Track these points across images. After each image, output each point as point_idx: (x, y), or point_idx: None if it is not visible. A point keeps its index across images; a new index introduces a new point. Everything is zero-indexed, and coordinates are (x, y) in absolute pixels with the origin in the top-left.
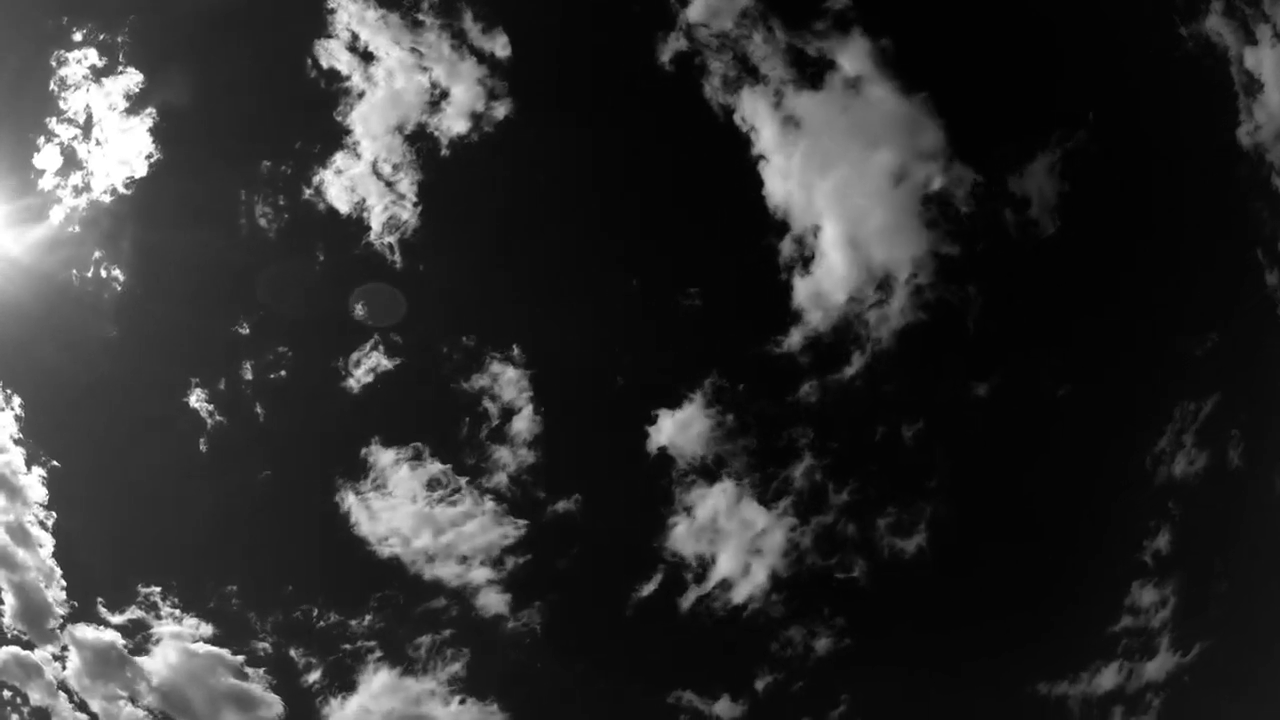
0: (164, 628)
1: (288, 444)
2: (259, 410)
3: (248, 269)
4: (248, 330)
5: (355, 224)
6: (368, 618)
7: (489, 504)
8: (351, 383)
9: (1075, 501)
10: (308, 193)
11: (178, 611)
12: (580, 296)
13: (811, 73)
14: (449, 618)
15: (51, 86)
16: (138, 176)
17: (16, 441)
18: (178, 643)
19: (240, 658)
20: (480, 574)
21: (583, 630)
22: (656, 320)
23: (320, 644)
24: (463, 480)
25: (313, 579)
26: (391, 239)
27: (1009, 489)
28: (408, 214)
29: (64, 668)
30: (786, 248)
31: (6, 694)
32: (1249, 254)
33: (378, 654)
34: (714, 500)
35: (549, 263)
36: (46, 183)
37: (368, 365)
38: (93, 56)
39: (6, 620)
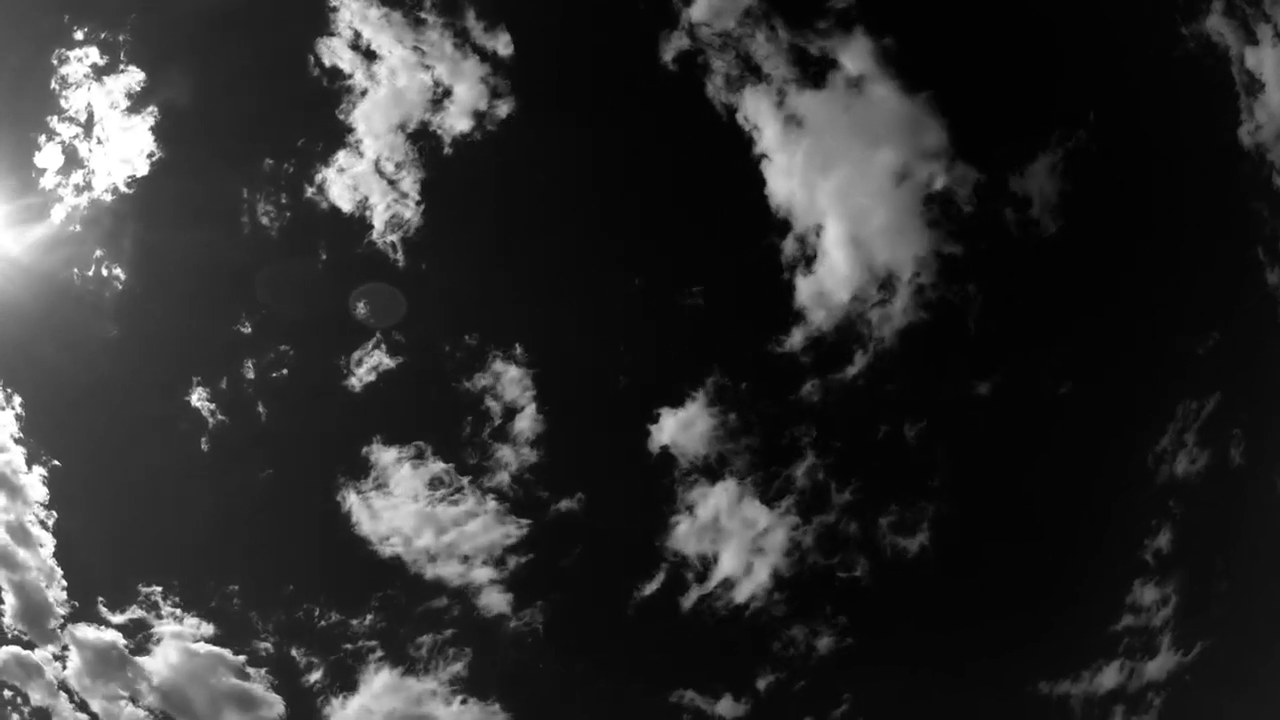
0: (165, 627)
1: (289, 443)
2: (261, 409)
3: (249, 268)
4: (249, 329)
5: (358, 223)
6: (369, 617)
7: (491, 503)
8: (353, 382)
9: (1077, 500)
10: (310, 191)
11: (179, 611)
12: (583, 295)
13: (814, 72)
14: (451, 617)
15: (53, 85)
16: (139, 175)
17: (17, 441)
18: (179, 642)
19: (241, 657)
20: (482, 573)
21: (585, 630)
22: (659, 319)
23: (321, 644)
24: (465, 480)
25: (314, 578)
26: (394, 238)
27: (1011, 488)
28: (410, 213)
29: (64, 667)
30: (789, 247)
31: (7, 694)
32: (1250, 253)
33: (379, 654)
34: (716, 499)
35: (552, 261)
36: (48, 181)
37: (370, 364)
38: (94, 55)
39: (7, 620)
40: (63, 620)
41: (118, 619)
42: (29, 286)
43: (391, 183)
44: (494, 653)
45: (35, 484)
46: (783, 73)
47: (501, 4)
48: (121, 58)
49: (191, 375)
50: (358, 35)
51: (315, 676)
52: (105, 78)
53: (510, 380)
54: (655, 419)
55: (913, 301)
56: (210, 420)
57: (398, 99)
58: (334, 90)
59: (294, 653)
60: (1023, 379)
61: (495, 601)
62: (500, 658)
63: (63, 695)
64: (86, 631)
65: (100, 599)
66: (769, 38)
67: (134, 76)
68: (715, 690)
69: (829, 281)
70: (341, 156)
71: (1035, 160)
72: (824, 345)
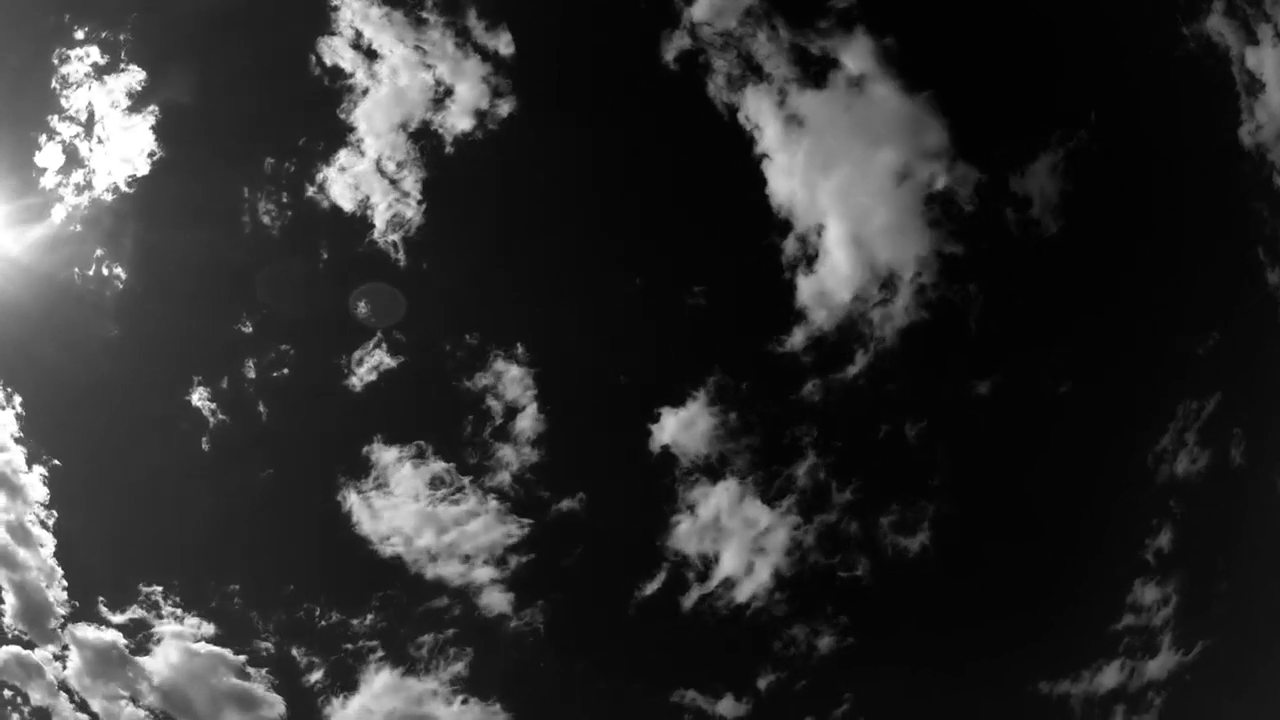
0: (165, 627)
1: (290, 443)
2: (261, 409)
3: (250, 267)
4: (250, 329)
5: (359, 222)
6: (370, 617)
7: (492, 503)
8: (354, 381)
9: (1077, 500)
10: (311, 191)
11: (179, 611)
12: (584, 295)
13: (815, 71)
14: (451, 617)
15: (53, 84)
16: (140, 174)
17: (17, 440)
18: (179, 642)
19: (242, 657)
20: (483, 573)
21: (586, 629)
22: (660, 319)
23: (322, 643)
24: (466, 479)
25: (315, 578)
26: (395, 237)
27: (1011, 488)
28: (411, 212)
29: (65, 667)
30: (790, 246)
31: (7, 694)
32: (1250, 253)
33: (380, 654)
34: (717, 499)
35: (553, 261)
36: (48, 181)
37: (371, 363)
38: (95, 54)
39: (7, 620)
40: (63, 620)
41: (118, 619)
42: (29, 286)
43: (393, 182)
44: (495, 653)
45: (35, 484)
46: (784, 72)
47: (503, 3)
48: (122, 57)
49: (192, 375)
50: (359, 34)
51: (316, 676)
52: (106, 77)
53: (511, 380)
54: (656, 418)
55: (914, 301)
56: (211, 420)
57: (399, 98)
58: (335, 89)
59: (294, 652)
60: (1023, 378)
61: (496, 601)
62: (501, 658)
63: (63, 695)
64: (87, 631)
65: (100, 599)
66: (770, 37)
67: (135, 76)
68: (716, 690)
69: (830, 281)
70: (343, 156)
71: (1036, 160)
72: (825, 345)
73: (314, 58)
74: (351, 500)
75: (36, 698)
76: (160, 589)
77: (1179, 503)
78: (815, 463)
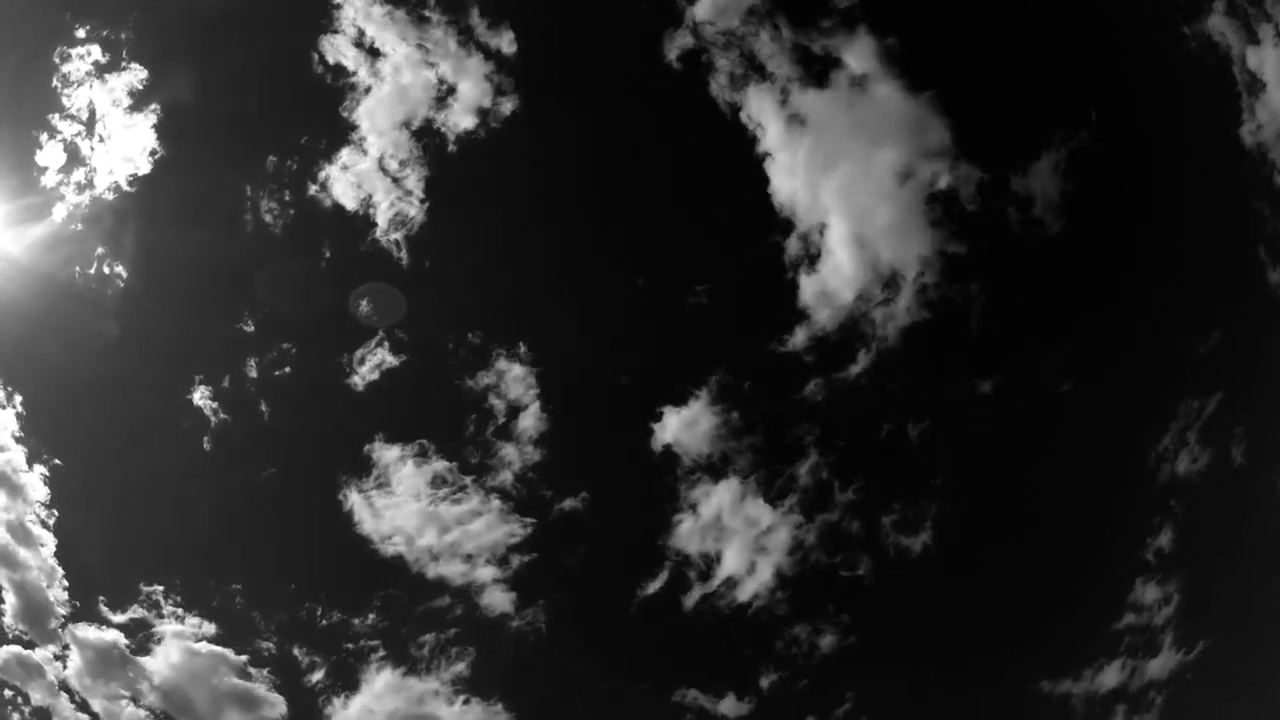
0: (166, 627)
1: (292, 442)
2: (263, 408)
3: (252, 266)
4: (252, 328)
5: (361, 220)
6: (371, 617)
7: (494, 502)
8: (356, 380)
9: (1079, 499)
10: (313, 189)
11: (180, 610)
12: (586, 294)
13: (817, 71)
14: (453, 617)
15: (54, 83)
16: (141, 173)
17: (18, 440)
18: (180, 642)
19: (243, 657)
20: (485, 573)
21: (588, 629)
22: (662, 318)
23: (323, 643)
24: (468, 479)
25: (316, 578)
26: (398, 235)
27: (1013, 487)
28: (414, 210)
29: (65, 667)
30: (792, 246)
31: (7, 694)
32: (1251, 253)
33: (381, 653)
34: (719, 498)
35: (556, 260)
36: (49, 180)
37: (373, 362)
38: (96, 53)
39: (7, 619)
40: (63, 620)
41: (119, 618)
42: (30, 285)
43: (395, 180)
44: (497, 652)
45: (36, 483)
46: (786, 71)
47: (505, 2)
48: (123, 55)
49: (193, 374)
50: (361, 33)
51: (317, 676)
52: (107, 75)
53: (514, 379)
54: (658, 417)
55: (916, 300)
56: (212, 419)
57: (401, 96)
58: (337, 88)
59: (296, 652)
60: (1025, 378)
61: (498, 601)
62: (503, 657)
63: (63, 695)
64: (87, 631)
65: (101, 598)
66: (773, 36)
67: (136, 74)
68: (718, 689)
69: (832, 280)
70: (345, 154)
71: (1038, 159)
72: (827, 344)
73: (316, 56)
74: (353, 500)
75: (37, 698)
76: (161, 588)
77: (1180, 502)
78: (817, 462)
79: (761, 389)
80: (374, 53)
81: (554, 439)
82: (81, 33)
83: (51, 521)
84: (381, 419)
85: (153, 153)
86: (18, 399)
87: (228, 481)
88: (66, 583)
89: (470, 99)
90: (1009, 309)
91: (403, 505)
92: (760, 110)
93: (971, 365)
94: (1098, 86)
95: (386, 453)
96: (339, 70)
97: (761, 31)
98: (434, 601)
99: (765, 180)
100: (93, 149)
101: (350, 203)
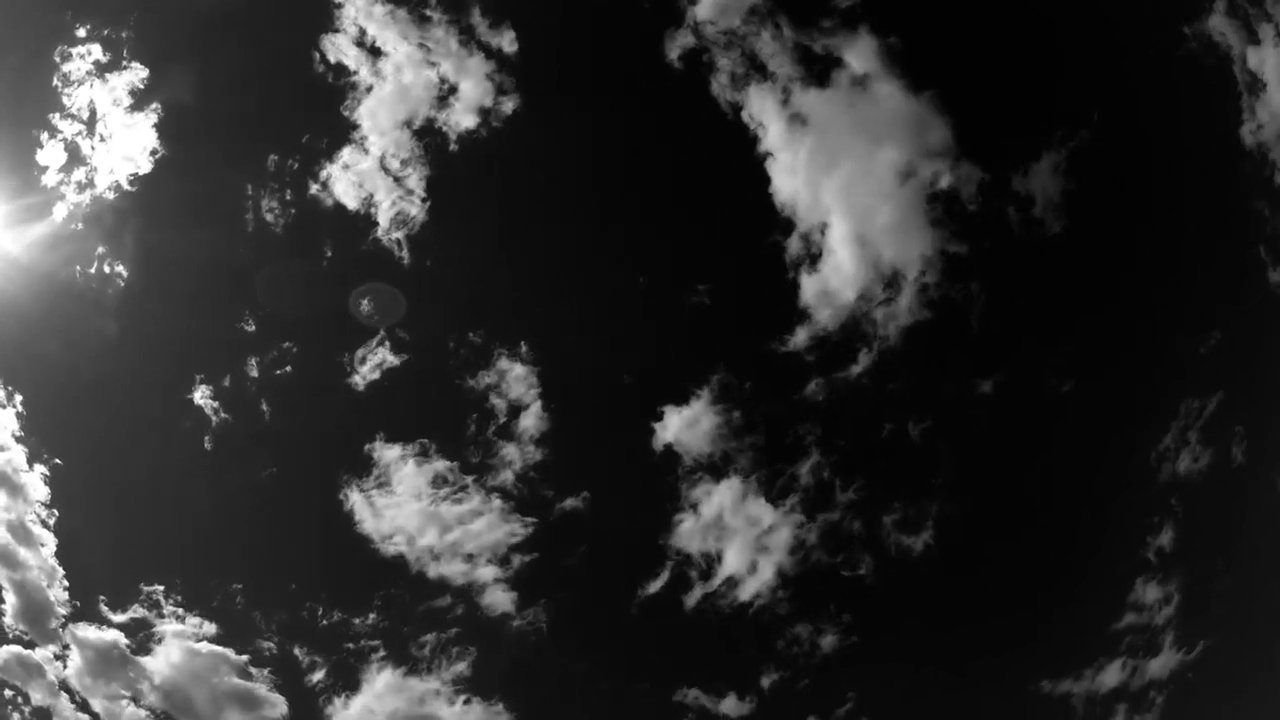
0: (166, 627)
1: (293, 442)
2: (264, 408)
3: (253, 265)
4: (253, 327)
5: (362, 220)
6: (372, 616)
7: (495, 502)
8: (357, 379)
9: (1079, 498)
10: (314, 188)
11: (180, 610)
12: (588, 293)
13: (819, 70)
14: (454, 616)
15: (55, 82)
16: (142, 172)
17: (18, 439)
18: (180, 642)
19: (244, 657)
20: (486, 572)
21: (589, 629)
22: (663, 317)
23: (324, 643)
24: (469, 478)
25: (317, 577)
26: (399, 235)
27: (1014, 486)
28: (415, 209)
29: (65, 667)
30: (793, 245)
31: (8, 693)
32: (1252, 252)
33: (382, 653)
34: (720, 497)
35: (557, 259)
36: (50, 179)
37: (374, 362)
38: (97, 52)
39: (8, 619)
40: (64, 619)
41: (119, 618)
42: (31, 285)
43: (397, 180)
44: (498, 652)
45: (36, 483)
46: (787, 71)
47: (506, 1)
48: (124, 55)
49: (194, 373)
50: (362, 32)
51: (318, 676)
52: (108, 75)
53: (515, 378)
54: (659, 417)
55: (917, 300)
56: (213, 419)
57: (403, 95)
58: (339, 87)
59: (296, 652)
60: (1026, 377)
61: (499, 600)
62: (504, 657)
63: (64, 695)
64: (88, 631)
65: (101, 598)
66: (774, 36)
67: (137, 73)
68: (719, 689)
69: (834, 280)
70: (346, 153)
71: (1039, 159)
72: (828, 344)
73: (317, 55)
74: (354, 499)
75: (37, 698)
76: (161, 588)
77: (1181, 501)
78: (818, 461)
79: (763, 388)
80: (375, 52)
81: (555, 438)
82: (82, 32)
83: (52, 521)
84: (382, 418)
85: (153, 152)
86: (18, 398)
87: (228, 481)
88: (67, 582)
89: (471, 98)
90: (1010, 309)
91: (404, 505)
92: (761, 110)
93: (972, 365)
94: (1098, 86)
95: (387, 452)
96: (340, 69)
97: (763, 31)
98: (435, 601)
99: (766, 180)
100: (93, 148)
101: (351, 202)
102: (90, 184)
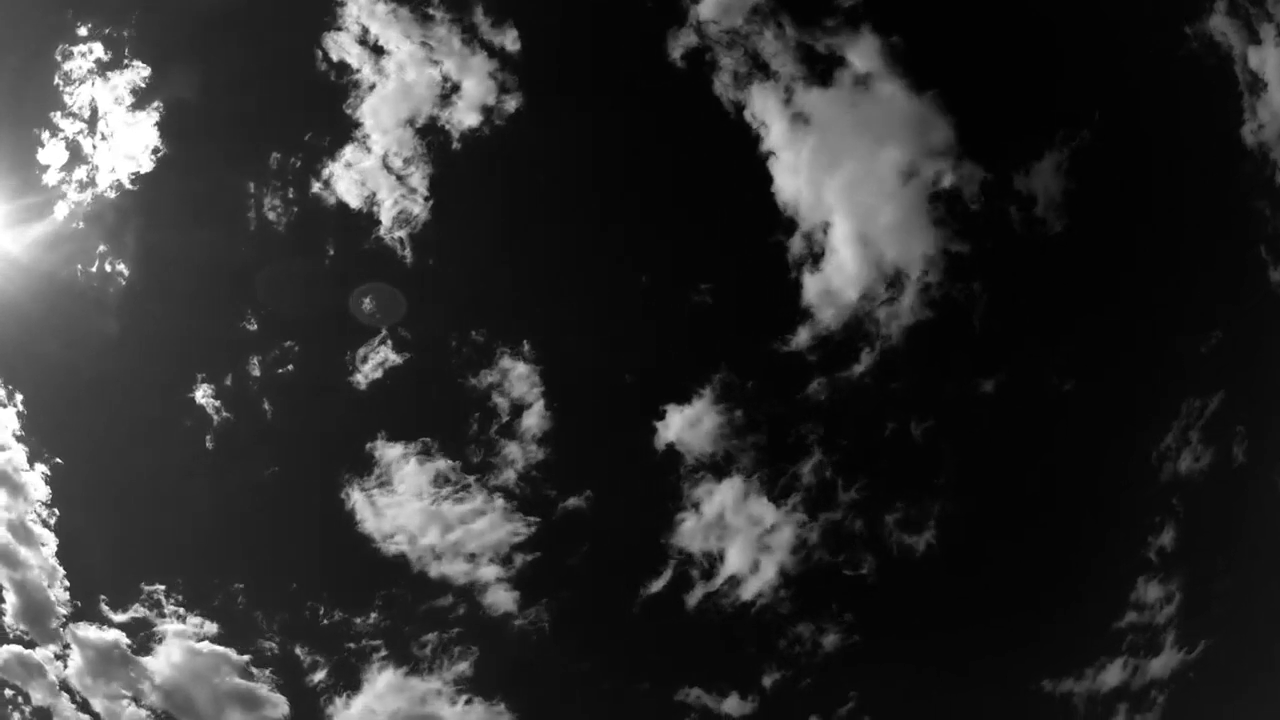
0: (167, 626)
1: (294, 441)
2: (266, 407)
3: (255, 264)
4: (255, 326)
5: (365, 218)
6: (373, 616)
7: (497, 501)
8: (359, 378)
9: (1081, 498)
10: (317, 187)
11: (181, 610)
12: (590, 292)
13: (821, 69)
14: (456, 616)
15: (56, 81)
16: (143, 171)
17: (19, 438)
18: (181, 641)
19: (245, 657)
20: (488, 571)
21: (591, 628)
22: (666, 316)
23: (325, 643)
24: (471, 477)
25: (318, 577)
26: (402, 233)
27: (1015, 485)
28: (418, 208)
29: (66, 667)
30: (796, 244)
31: (8, 693)
32: (1253, 252)
33: (383, 653)
34: (722, 496)
35: (559, 258)
36: (51, 178)
37: (376, 360)
38: (98, 50)
39: (8, 619)
40: (64, 619)
41: (120, 618)
42: (32, 284)
43: (399, 178)
44: (499, 652)
45: (37, 482)
46: (790, 70)
47: (508, 0)
48: (125, 53)
49: (196, 372)
50: (365, 30)
51: (319, 676)
52: (109, 73)
53: (517, 377)
54: (662, 416)
55: (919, 300)
56: (215, 418)
57: (405, 94)
58: (341, 85)
59: (298, 652)
60: (1028, 377)
61: (501, 600)
62: (506, 657)
63: (64, 695)
64: (88, 630)
65: (102, 598)
66: (777, 35)
67: (138, 72)
68: (721, 688)
69: (836, 279)
70: (349, 152)
71: (1040, 159)
72: (831, 343)
73: (320, 53)
74: (355, 498)
75: (38, 697)
76: (162, 588)
77: (1182, 501)
78: (821, 461)
79: (765, 388)
80: (378, 50)
81: (557, 438)
82: (83, 30)
83: (52, 521)
84: (384, 417)
85: (155, 150)
86: (19, 397)
87: (230, 480)
88: (67, 582)
89: (474, 97)
90: (1012, 308)
91: (405, 504)
92: (764, 109)
93: (974, 364)
94: (1100, 86)
95: (389, 451)
96: (343, 68)
97: (765, 30)
98: (436, 601)
99: (769, 179)
100: (95, 147)
101: (354, 201)
102: (92, 183)
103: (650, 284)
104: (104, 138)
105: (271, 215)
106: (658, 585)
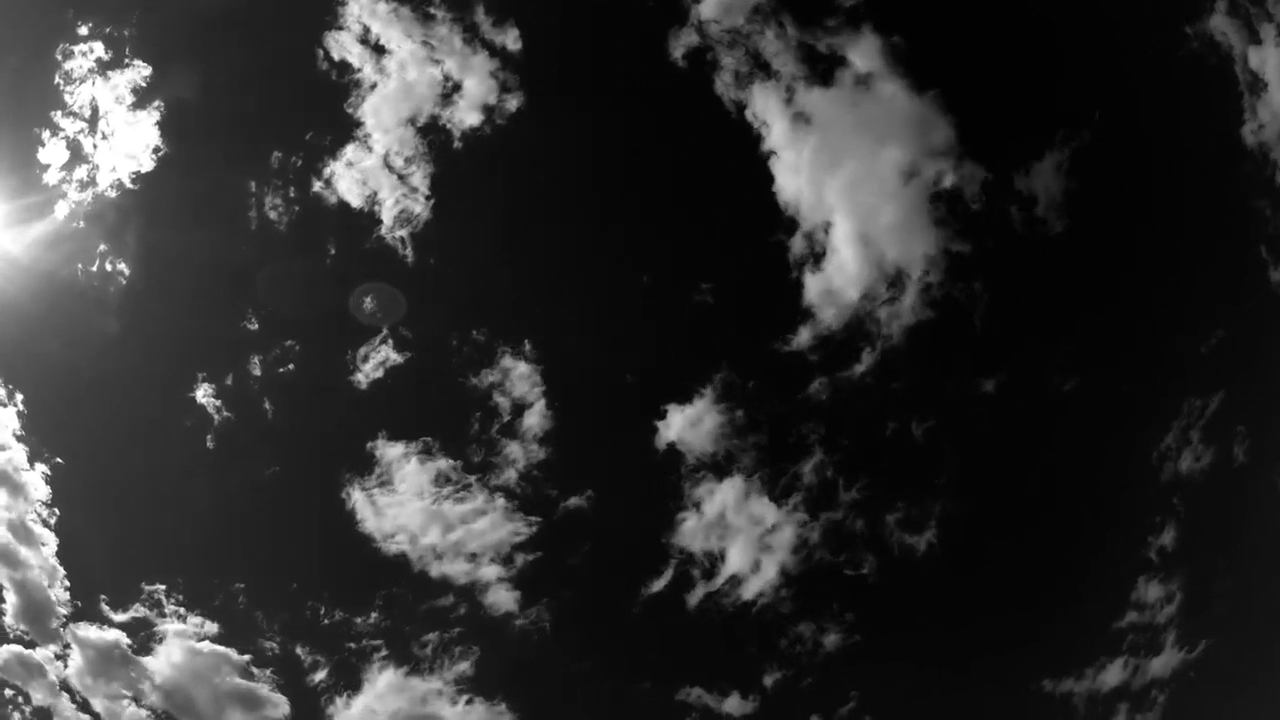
0: (168, 626)
1: (295, 440)
2: (267, 406)
3: (256, 263)
4: (256, 325)
5: (366, 218)
6: (374, 616)
7: (498, 500)
8: (360, 378)
9: (1081, 498)
10: (318, 186)
11: (182, 610)
12: (591, 291)
13: (822, 69)
14: (456, 616)
15: (56, 80)
16: (144, 170)
17: (19, 438)
18: (182, 641)
19: (245, 657)
20: (489, 571)
21: (592, 628)
22: (667, 316)
23: (326, 643)
24: (472, 477)
25: (319, 577)
26: (403, 233)
27: (1016, 485)
28: (419, 207)
29: (66, 667)
30: (797, 244)
31: (8, 693)
32: (1253, 252)
33: (384, 653)
34: (723, 496)
35: (560, 257)
36: (51, 177)
37: (377, 360)
38: (99, 50)
39: (8, 619)
40: (65, 619)
41: (120, 618)
42: (32, 283)
43: (400, 177)
44: (500, 651)
45: (37, 482)
46: (791, 70)
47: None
48: (126, 52)
49: (196, 372)
50: (366, 29)
51: (320, 676)
52: (110, 72)
53: (518, 376)
54: (663, 415)
55: (920, 299)
56: (215, 417)
57: (407, 93)
58: (343, 84)
59: (298, 652)
60: (1029, 376)
61: (502, 599)
62: (507, 656)
63: (64, 695)
64: (89, 630)
65: (103, 597)
66: (778, 35)
67: (139, 71)
68: (722, 688)
69: (837, 279)
70: (350, 151)
71: (1041, 159)
72: (832, 343)
73: (321, 52)
74: (356, 498)
75: (38, 697)
76: (163, 588)
77: (1182, 500)
78: (822, 460)
79: (766, 387)
80: (379, 49)
81: (558, 437)
82: (84, 29)
83: (53, 520)
84: (385, 417)
85: (156, 150)
86: (19, 397)
87: (230, 480)
88: (68, 582)
89: (475, 96)
90: (1012, 308)
91: (406, 504)
92: (765, 108)
93: (975, 364)
94: (1100, 86)
95: (390, 451)
96: (344, 67)
97: (766, 30)
98: (437, 600)
99: (770, 179)
100: (95, 146)
101: (355, 200)
102: (92, 182)
103: (651, 284)
104: (105, 137)
105: (272, 214)
106: (659, 585)
